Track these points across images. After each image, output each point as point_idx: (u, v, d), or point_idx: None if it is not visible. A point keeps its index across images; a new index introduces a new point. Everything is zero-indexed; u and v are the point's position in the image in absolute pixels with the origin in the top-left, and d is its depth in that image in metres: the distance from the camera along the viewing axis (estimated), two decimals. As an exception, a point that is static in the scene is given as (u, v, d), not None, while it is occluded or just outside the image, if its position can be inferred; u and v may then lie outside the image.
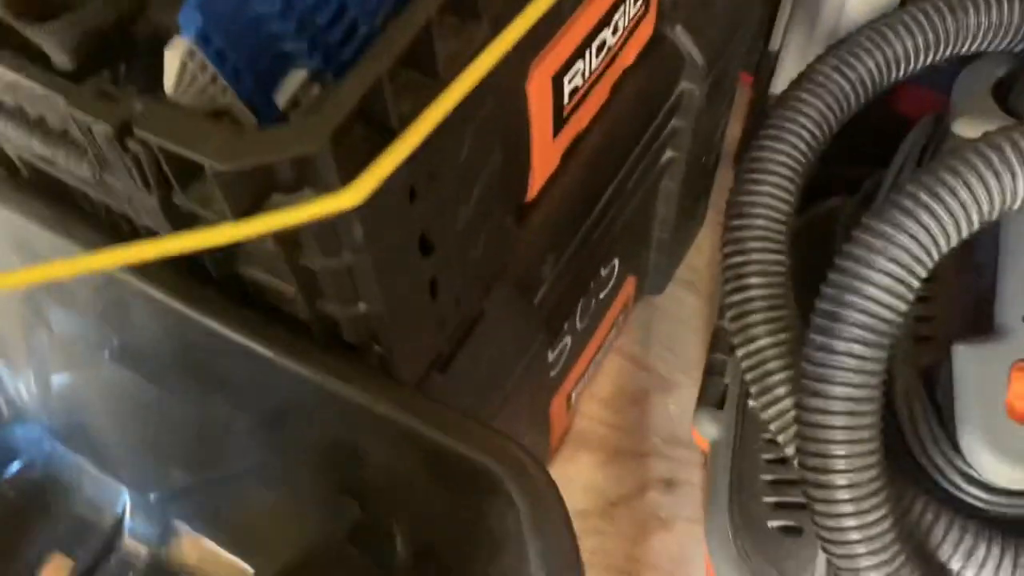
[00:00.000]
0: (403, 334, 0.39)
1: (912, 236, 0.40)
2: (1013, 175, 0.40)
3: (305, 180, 0.29)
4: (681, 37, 0.57)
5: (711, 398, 0.60)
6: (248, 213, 0.29)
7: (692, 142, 0.66)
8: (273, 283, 0.36)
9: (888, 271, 0.40)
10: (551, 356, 0.62)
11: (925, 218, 0.40)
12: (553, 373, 0.65)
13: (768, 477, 0.54)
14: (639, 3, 0.49)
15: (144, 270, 0.36)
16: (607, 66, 0.48)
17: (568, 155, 0.51)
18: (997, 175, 0.40)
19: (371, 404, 0.32)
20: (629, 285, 0.75)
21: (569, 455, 0.78)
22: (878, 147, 0.65)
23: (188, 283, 0.36)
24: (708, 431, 0.59)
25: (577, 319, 0.65)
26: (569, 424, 0.78)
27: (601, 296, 0.68)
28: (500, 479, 0.30)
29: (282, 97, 0.32)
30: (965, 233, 0.41)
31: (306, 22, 0.31)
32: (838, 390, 0.41)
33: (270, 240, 0.32)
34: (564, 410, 0.72)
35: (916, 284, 0.41)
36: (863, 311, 0.40)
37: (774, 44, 0.82)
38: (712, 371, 0.62)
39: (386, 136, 0.31)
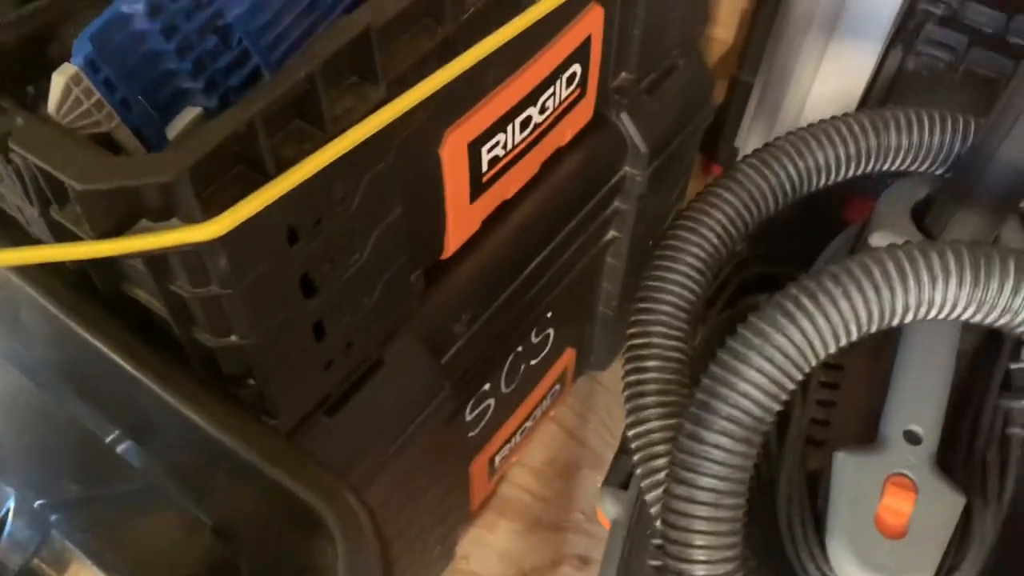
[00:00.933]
0: (280, 371, 0.40)
1: (788, 337, 0.41)
2: (892, 291, 0.41)
3: (173, 209, 0.31)
4: (625, 123, 0.60)
5: (617, 477, 0.60)
6: (112, 234, 0.30)
7: (636, 224, 0.68)
8: (155, 306, 0.37)
9: (761, 368, 0.41)
10: (469, 416, 0.63)
11: (803, 321, 0.41)
12: (472, 433, 0.66)
13: (654, 563, 0.54)
14: (574, 87, 0.51)
15: (36, 277, 0.38)
16: (534, 141, 0.50)
17: (492, 221, 0.52)
18: (877, 289, 0.41)
19: (216, 431, 0.33)
20: (567, 356, 0.76)
21: (491, 521, 0.78)
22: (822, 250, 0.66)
23: (74, 295, 0.37)
24: (609, 510, 0.59)
25: (502, 382, 0.65)
26: (493, 489, 0.78)
27: (532, 363, 0.69)
28: (323, 517, 0.31)
29: (173, 131, 0.33)
30: (843, 341, 0.42)
31: (204, 63, 0.33)
32: (703, 480, 0.41)
33: (140, 262, 0.33)
34: (486, 473, 0.72)
35: (790, 384, 0.42)
36: (734, 405, 0.41)
37: (738, 141, 0.85)
38: (624, 450, 0.62)
39: (262, 178, 0.33)
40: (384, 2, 0.35)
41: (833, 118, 0.54)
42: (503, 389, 0.66)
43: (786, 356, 0.41)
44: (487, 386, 0.63)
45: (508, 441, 0.73)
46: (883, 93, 0.68)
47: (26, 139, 0.29)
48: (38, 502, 0.49)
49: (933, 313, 0.41)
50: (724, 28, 1.01)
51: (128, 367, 0.35)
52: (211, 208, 0.31)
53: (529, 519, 0.78)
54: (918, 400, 0.47)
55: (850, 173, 0.53)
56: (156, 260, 0.33)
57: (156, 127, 0.33)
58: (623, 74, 0.57)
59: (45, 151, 0.28)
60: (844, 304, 0.41)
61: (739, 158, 0.81)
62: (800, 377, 0.42)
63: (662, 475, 0.47)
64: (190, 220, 0.31)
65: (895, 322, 0.42)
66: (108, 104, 0.31)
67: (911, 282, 0.41)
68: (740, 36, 1.00)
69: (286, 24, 0.35)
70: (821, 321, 0.41)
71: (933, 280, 0.40)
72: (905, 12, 0.65)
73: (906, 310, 0.41)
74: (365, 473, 0.49)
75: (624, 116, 0.59)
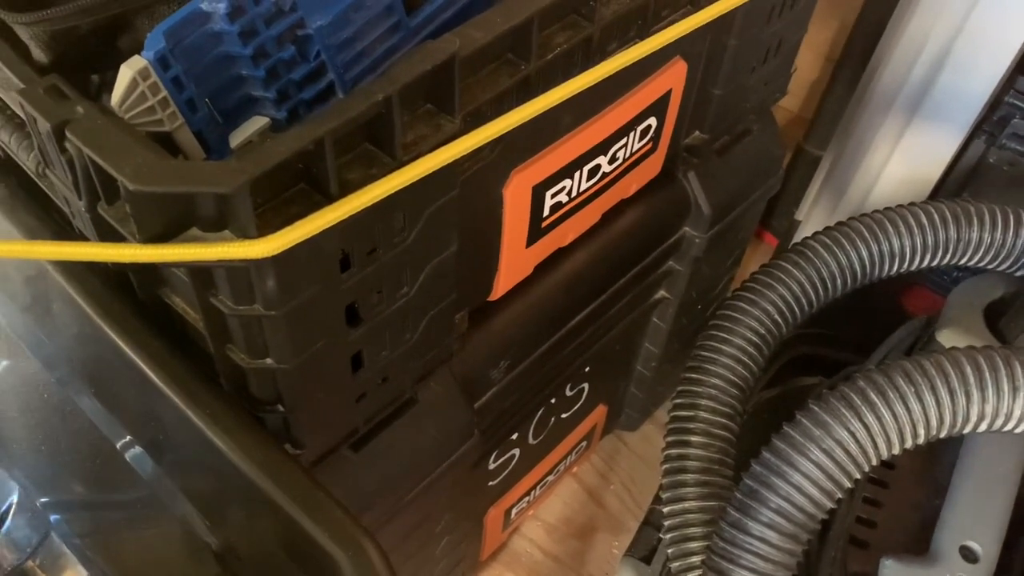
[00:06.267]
0: (311, 400, 0.38)
1: (851, 432, 0.38)
2: (968, 397, 0.38)
3: (226, 221, 0.29)
4: (692, 183, 0.58)
5: (641, 550, 0.57)
6: (159, 239, 0.29)
7: (688, 287, 0.65)
8: (192, 317, 0.35)
9: (818, 461, 0.38)
10: (492, 464, 0.61)
11: (868, 417, 0.38)
12: (493, 482, 0.63)
13: (672, 648, 0.50)
14: (646, 140, 0.49)
15: (73, 272, 0.36)
16: (599, 191, 0.48)
17: (544, 267, 0.50)
18: (952, 393, 0.38)
19: (237, 458, 0.31)
20: (598, 413, 0.73)
21: (497, 573, 0.75)
22: (880, 338, 0.63)
23: (108, 295, 0.36)
24: (628, 583, 0.56)
25: (530, 433, 0.63)
26: (504, 540, 0.75)
27: (563, 416, 0.67)
28: (340, 566, 0.28)
29: (236, 139, 0.32)
30: (909, 443, 0.39)
31: (279, 73, 0.32)
32: (742, 574, 0.39)
33: (184, 271, 0.32)
34: (500, 524, 0.70)
35: (847, 483, 0.39)
36: (786, 498, 0.38)
37: (800, 214, 0.82)
38: (650, 522, 0.59)
39: (323, 199, 0.31)
40: (471, 32, 0.33)
41: (912, 204, 0.51)
42: (530, 440, 0.64)
43: (847, 452, 0.38)
44: (515, 436, 0.60)
45: (528, 494, 0.70)
46: (959, 183, 0.65)
47: (84, 130, 0.27)
48: (41, 499, 0.47)
49: (1010, 426, 0.39)
50: (791, 97, 0.99)
51: (153, 376, 0.33)
52: (266, 225, 0.29)
53: (537, 577, 0.75)
54: (979, 514, 0.44)
55: (924, 263, 0.51)
56: (200, 271, 0.31)
57: (219, 133, 0.32)
58: (696, 133, 0.55)
59: (102, 145, 0.27)
60: (915, 405, 0.38)
61: (800, 231, 0.79)
62: (859, 476, 0.39)
63: (696, 559, 0.44)
64: (243, 235, 0.29)
65: (967, 430, 0.39)
66: (173, 103, 0.30)
67: (990, 391, 0.38)
68: (807, 106, 0.98)
69: (368, 42, 0.33)
70: (888, 419, 0.38)
71: (1014, 391, 0.38)
72: (992, 103, 0.63)
73: (980, 419, 0.38)
74: (383, 514, 0.46)
75: (692, 175, 0.57)
